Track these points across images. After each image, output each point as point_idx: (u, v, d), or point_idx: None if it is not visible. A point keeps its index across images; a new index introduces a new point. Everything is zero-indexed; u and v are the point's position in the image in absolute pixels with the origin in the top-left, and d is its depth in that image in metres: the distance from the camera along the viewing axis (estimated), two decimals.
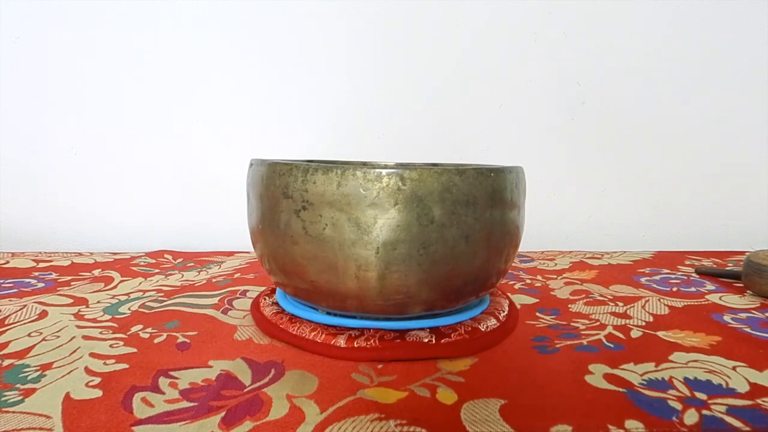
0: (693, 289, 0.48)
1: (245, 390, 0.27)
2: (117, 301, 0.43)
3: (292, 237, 0.31)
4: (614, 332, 0.36)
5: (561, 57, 0.70)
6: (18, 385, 0.27)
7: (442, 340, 0.32)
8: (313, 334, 0.33)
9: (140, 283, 0.49)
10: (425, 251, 0.30)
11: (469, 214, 0.30)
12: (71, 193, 0.70)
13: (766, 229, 0.74)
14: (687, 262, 0.60)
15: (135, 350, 0.32)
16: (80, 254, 0.62)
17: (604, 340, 0.34)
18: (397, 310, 0.32)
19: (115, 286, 0.48)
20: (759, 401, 0.26)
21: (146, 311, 0.40)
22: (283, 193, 0.31)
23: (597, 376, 0.29)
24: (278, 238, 0.32)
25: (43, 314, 0.39)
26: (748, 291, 0.47)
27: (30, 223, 0.70)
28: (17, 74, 0.67)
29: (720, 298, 0.44)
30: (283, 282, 0.35)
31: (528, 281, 0.51)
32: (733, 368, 0.30)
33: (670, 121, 0.72)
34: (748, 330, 0.36)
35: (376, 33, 0.69)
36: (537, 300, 0.44)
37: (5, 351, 0.32)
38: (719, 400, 0.26)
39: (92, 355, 0.31)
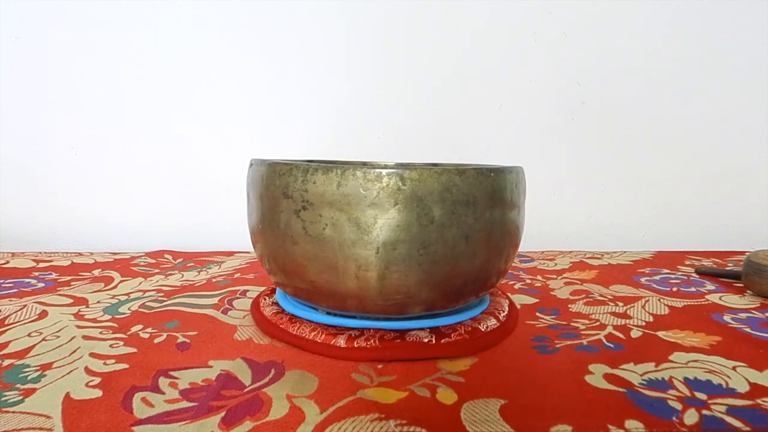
0: (693, 289, 0.48)
1: (245, 390, 0.27)
2: (117, 301, 0.43)
3: (292, 237, 0.31)
4: (614, 332, 0.36)
5: (561, 57, 0.70)
6: (18, 385, 0.27)
7: (442, 340, 0.32)
8: (313, 334, 0.33)
9: (140, 283, 0.49)
10: (425, 251, 0.30)
11: (469, 214, 0.30)
12: (71, 193, 0.70)
13: (766, 229, 0.74)
14: (687, 262, 0.60)
15: (135, 350, 0.32)
16: (80, 254, 0.62)
17: (604, 340, 0.34)
18: (397, 310, 0.32)
19: (115, 286, 0.48)
20: (759, 401, 0.26)
21: (146, 311, 0.40)
22: (283, 193, 0.31)
23: (597, 376, 0.29)
24: (278, 238, 0.32)
25: (43, 314, 0.39)
26: (748, 291, 0.47)
27: (30, 223, 0.70)
28: (17, 74, 0.67)
29: (720, 298, 0.44)
30: (283, 282, 0.35)
31: (528, 281, 0.51)
32: (733, 368, 0.30)
33: (670, 121, 0.72)
34: (748, 330, 0.36)
35: (376, 33, 0.69)
36: (537, 300, 0.44)
37: (5, 351, 0.32)
38: (719, 400, 0.26)
39: (92, 355, 0.31)
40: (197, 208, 0.71)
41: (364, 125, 0.71)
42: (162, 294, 0.45)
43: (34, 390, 0.27)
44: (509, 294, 0.45)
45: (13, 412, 0.24)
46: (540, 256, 0.64)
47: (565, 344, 0.34)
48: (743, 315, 0.40)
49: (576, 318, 0.39)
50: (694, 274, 0.54)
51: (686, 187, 0.74)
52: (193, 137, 0.70)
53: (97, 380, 0.28)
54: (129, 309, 0.41)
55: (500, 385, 0.28)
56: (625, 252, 0.67)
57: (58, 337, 0.34)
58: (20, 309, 0.40)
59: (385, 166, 0.31)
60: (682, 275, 0.54)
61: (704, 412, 0.25)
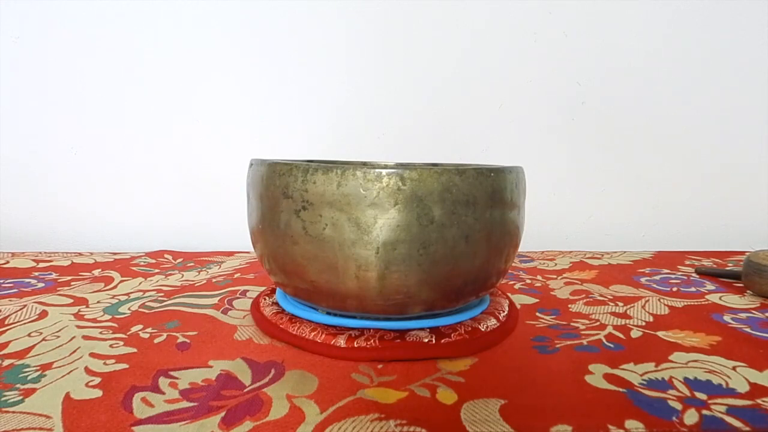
0: (693, 289, 0.48)
1: (245, 390, 0.27)
2: (117, 301, 0.43)
3: (292, 237, 0.31)
4: (614, 332, 0.36)
5: (561, 57, 0.70)
6: (18, 385, 0.27)
7: (442, 340, 0.32)
8: (313, 334, 0.33)
9: (140, 283, 0.49)
10: (425, 251, 0.30)
11: (469, 214, 0.30)
12: (71, 193, 0.70)
13: (766, 229, 0.74)
14: (687, 262, 0.60)
15: (135, 350, 0.32)
16: (80, 254, 0.62)
17: (604, 340, 0.34)
18: (397, 310, 0.32)
19: (115, 286, 0.48)
20: (759, 401, 0.26)
21: (146, 311, 0.40)
22: (283, 193, 0.31)
23: (597, 376, 0.29)
24: (278, 238, 0.32)
25: (43, 314, 0.39)
26: (748, 291, 0.47)
27: (30, 223, 0.70)
28: (17, 74, 0.67)
29: (720, 298, 0.44)
30: (283, 282, 0.35)
31: (528, 281, 0.51)
32: (733, 368, 0.30)
33: (670, 121, 0.72)
34: (748, 330, 0.36)
35: (376, 33, 0.69)
36: (537, 300, 0.44)
37: (5, 351, 0.32)
38: (719, 400, 0.26)
39: (92, 355, 0.31)
40: (197, 208, 0.71)
41: (364, 125, 0.71)
42: (162, 294, 0.45)
43: (34, 390, 0.27)
44: (509, 294, 0.45)
45: (13, 412, 0.24)
46: (540, 256, 0.64)
47: (565, 344, 0.34)
48: (743, 315, 0.40)
49: (576, 318, 0.39)
50: (694, 274, 0.54)
51: (686, 187, 0.74)
52: (193, 137, 0.70)
53: (97, 380, 0.28)
54: (129, 309, 0.41)
55: (500, 385, 0.28)
56: (625, 252, 0.67)
57: (58, 337, 0.34)
58: (20, 309, 0.40)
59: (385, 166, 0.31)
60: (682, 275, 0.54)
61: (704, 412, 0.25)
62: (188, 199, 0.71)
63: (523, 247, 0.40)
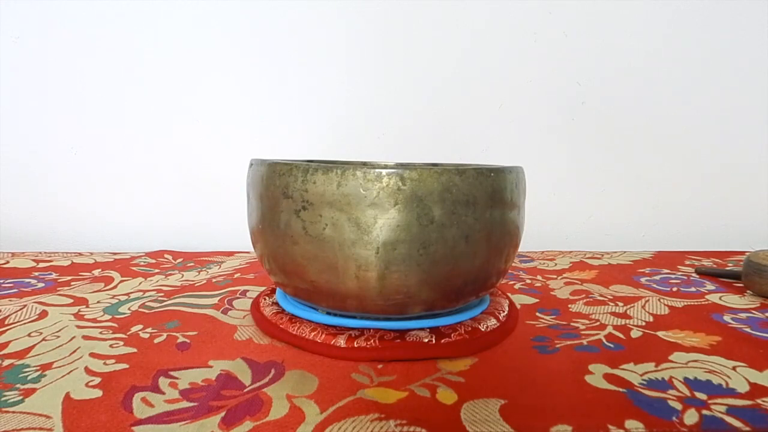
0: (693, 289, 0.48)
1: (245, 390, 0.27)
2: (117, 301, 0.43)
3: (292, 237, 0.31)
4: (614, 332, 0.36)
5: (561, 57, 0.70)
6: (18, 385, 0.27)
7: (442, 340, 0.32)
8: (313, 334, 0.33)
9: (140, 283, 0.49)
10: (425, 251, 0.30)
11: (469, 214, 0.30)
12: (71, 193, 0.70)
13: (766, 229, 0.74)
14: (687, 262, 0.60)
15: (135, 350, 0.32)
16: (80, 254, 0.62)
17: (604, 340, 0.34)
18: (397, 310, 0.32)
19: (115, 286, 0.48)
20: (759, 401, 0.26)
21: (146, 311, 0.40)
22: (283, 193, 0.31)
23: (597, 376, 0.29)
24: (278, 238, 0.32)
25: (43, 314, 0.39)
26: (748, 291, 0.47)
27: (30, 223, 0.70)
28: (17, 74, 0.67)
29: (720, 298, 0.44)
30: (283, 282, 0.35)
31: (528, 281, 0.51)
32: (733, 368, 0.30)
33: (670, 121, 0.72)
34: (748, 330, 0.36)
35: (376, 33, 0.69)
36: (537, 300, 0.44)
37: (5, 351, 0.32)
38: (719, 400, 0.26)
39: (92, 355, 0.31)
40: (197, 208, 0.71)
41: (364, 125, 0.71)
42: (162, 294, 0.45)
43: (34, 390, 0.27)
44: (509, 294, 0.45)
45: (13, 412, 0.24)
46: (540, 256, 0.64)
47: (565, 344, 0.34)
48: (743, 315, 0.40)
49: (576, 318, 0.39)
50: (694, 274, 0.54)
51: (686, 187, 0.74)
52: (193, 137, 0.70)
53: (97, 380, 0.28)
54: (129, 309, 0.41)
55: (500, 385, 0.28)
56: (625, 252, 0.67)
57: (58, 337, 0.34)
58: (20, 309, 0.40)
59: (385, 166, 0.31)
60: (682, 275, 0.54)
61: (704, 412, 0.25)
62: (188, 199, 0.71)
63: (523, 247, 0.40)
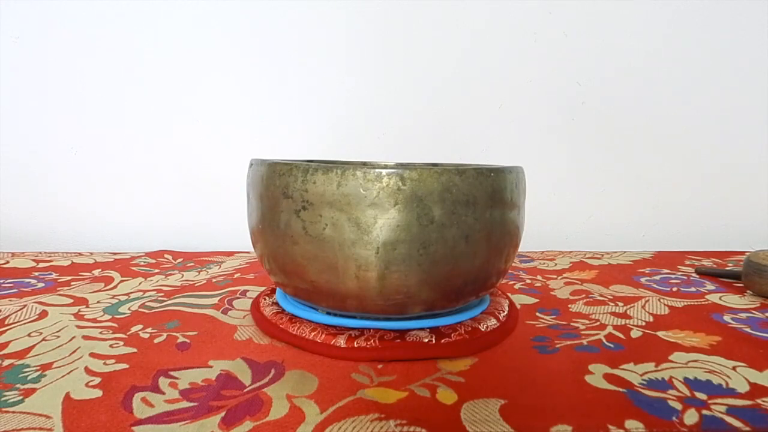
0: (693, 289, 0.48)
1: (245, 390, 0.27)
2: (117, 301, 0.43)
3: (292, 237, 0.31)
4: (614, 332, 0.36)
5: (561, 57, 0.70)
6: (18, 385, 0.27)
7: (442, 340, 0.32)
8: (313, 334, 0.33)
9: (140, 283, 0.49)
10: (425, 251, 0.30)
11: (469, 214, 0.30)
12: (71, 193, 0.70)
13: (766, 229, 0.74)
14: (687, 262, 0.60)
15: (135, 350, 0.32)
16: (80, 254, 0.62)
17: (604, 340, 0.34)
18: (397, 310, 0.32)
19: (115, 286, 0.48)
20: (759, 401, 0.26)
21: (146, 311, 0.40)
22: (283, 193, 0.31)
23: (597, 376, 0.29)
24: (278, 238, 0.32)
25: (43, 314, 0.39)
26: (748, 291, 0.47)
27: (30, 223, 0.70)
28: (17, 74, 0.67)
29: (720, 298, 0.44)
30: (283, 282, 0.35)
31: (528, 281, 0.51)
32: (733, 368, 0.30)
33: (670, 121, 0.72)
34: (748, 330, 0.36)
35: (376, 33, 0.69)
36: (537, 300, 0.44)
37: (5, 351, 0.32)
38: (719, 400, 0.26)
39: (92, 355, 0.31)
40: (197, 208, 0.71)
41: (364, 125, 0.71)
42: (162, 294, 0.45)
43: (34, 390, 0.27)
44: (509, 294, 0.45)
45: (13, 412, 0.24)
46: (540, 256, 0.64)
47: (565, 344, 0.34)
48: (743, 315, 0.40)
49: (576, 318, 0.39)
50: (694, 274, 0.54)
51: (686, 187, 0.74)
52: (193, 137, 0.70)
53: (97, 380, 0.28)
54: (129, 309, 0.41)
55: (500, 385, 0.28)
56: (625, 252, 0.67)
57: (58, 337, 0.34)
58: (20, 309, 0.40)
59: (385, 166, 0.31)
60: (682, 275, 0.54)
61: (704, 412, 0.25)
62: (188, 199, 0.71)
63: (523, 247, 0.40)
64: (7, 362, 0.30)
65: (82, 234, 0.71)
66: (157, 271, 0.54)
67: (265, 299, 0.41)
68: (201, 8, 0.67)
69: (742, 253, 0.64)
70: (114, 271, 0.54)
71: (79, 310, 0.40)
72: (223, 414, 0.24)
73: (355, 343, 0.32)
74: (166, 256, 0.62)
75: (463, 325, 0.35)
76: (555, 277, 0.53)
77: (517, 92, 0.71)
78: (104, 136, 0.69)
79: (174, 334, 0.35)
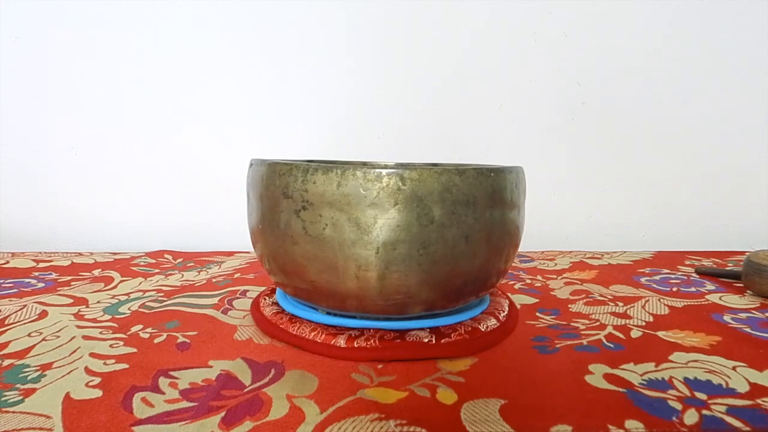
0: (693, 289, 0.48)
1: (245, 390, 0.27)
2: (117, 301, 0.43)
3: (292, 237, 0.31)
4: (614, 332, 0.36)
5: (561, 57, 0.70)
6: (18, 385, 0.27)
7: (442, 340, 0.32)
8: (313, 334, 0.33)
9: (140, 283, 0.49)
10: (425, 251, 0.30)
11: (469, 214, 0.30)
12: (71, 193, 0.70)
13: (766, 229, 0.74)
14: (687, 262, 0.60)
15: (135, 350, 0.32)
16: (80, 254, 0.62)
17: (604, 340, 0.34)
18: (397, 310, 0.32)
19: (115, 286, 0.48)
20: (759, 401, 0.26)
21: (146, 311, 0.40)
22: (283, 193, 0.31)
23: (597, 376, 0.29)
24: (278, 238, 0.32)
25: (43, 314, 0.39)
26: (748, 291, 0.47)
27: (30, 223, 0.70)
28: (17, 74, 0.67)
29: (720, 298, 0.44)
30: (283, 282, 0.35)
31: (528, 281, 0.51)
32: (733, 368, 0.30)
33: (670, 121, 0.72)
34: (748, 330, 0.36)
35: (376, 33, 0.69)
36: (537, 300, 0.44)
37: (5, 351, 0.32)
38: (719, 400, 0.26)
39: (92, 355, 0.31)
40: (197, 208, 0.71)
41: (364, 125, 0.71)
42: (162, 294, 0.45)
43: (34, 390, 0.27)
44: (509, 294, 0.45)
45: (13, 412, 0.24)
46: (540, 256, 0.64)
47: (565, 344, 0.34)
48: (743, 315, 0.40)
49: (576, 318, 0.39)
50: (694, 274, 0.54)
51: (686, 187, 0.74)
52: (193, 137, 0.70)
53: (97, 380, 0.28)
54: (129, 309, 0.41)
55: (500, 385, 0.28)
56: (625, 252, 0.67)
57: (58, 337, 0.34)
58: (20, 309, 0.40)
59: (385, 166, 0.31)
60: (682, 275, 0.54)
61: (704, 412, 0.25)
62: (188, 199, 0.71)
63: (523, 247, 0.40)
64: (7, 362, 0.30)
65: (82, 234, 0.71)
66: (157, 271, 0.54)
67: (265, 299, 0.41)
68: (201, 8, 0.67)
69: (742, 253, 0.64)
70: (114, 271, 0.54)
71: (79, 310, 0.40)
72: (223, 414, 0.24)
73: (355, 343, 0.32)
74: (166, 256, 0.62)
75: (463, 325, 0.35)
76: (555, 277, 0.53)
77: (517, 92, 0.71)
78: (104, 136, 0.69)
79: (174, 334, 0.35)
